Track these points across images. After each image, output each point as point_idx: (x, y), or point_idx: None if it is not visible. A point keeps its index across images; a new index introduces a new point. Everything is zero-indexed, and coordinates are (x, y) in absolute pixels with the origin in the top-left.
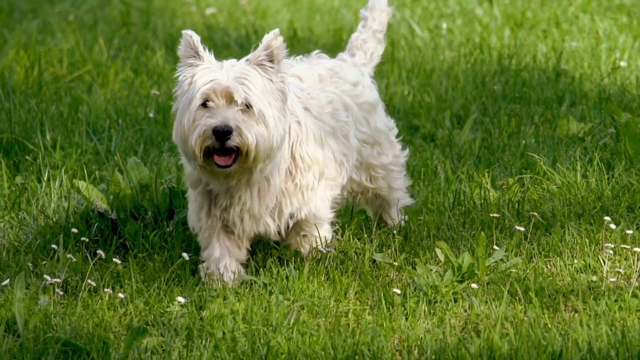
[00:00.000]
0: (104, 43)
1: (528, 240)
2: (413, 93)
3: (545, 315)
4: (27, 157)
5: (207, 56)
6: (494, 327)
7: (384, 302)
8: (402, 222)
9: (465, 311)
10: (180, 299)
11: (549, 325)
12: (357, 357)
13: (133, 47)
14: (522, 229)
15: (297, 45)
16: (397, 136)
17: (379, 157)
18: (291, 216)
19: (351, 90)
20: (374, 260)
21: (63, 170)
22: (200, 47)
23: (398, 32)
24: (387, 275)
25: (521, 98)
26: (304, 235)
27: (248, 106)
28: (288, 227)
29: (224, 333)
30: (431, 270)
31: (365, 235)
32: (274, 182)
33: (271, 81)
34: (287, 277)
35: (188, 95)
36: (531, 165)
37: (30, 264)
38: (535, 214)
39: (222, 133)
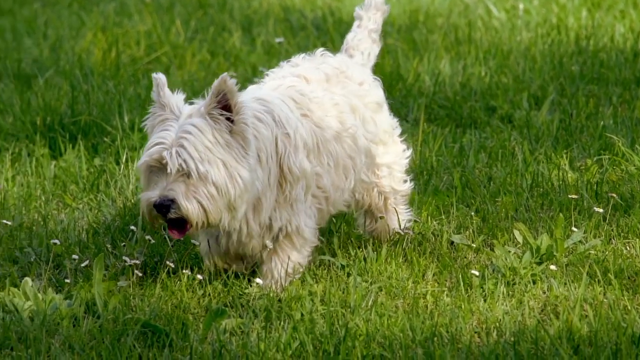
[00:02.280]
0: (181, 25)
1: (607, 221)
2: (490, 74)
3: (625, 297)
4: (105, 139)
5: (170, 102)
6: (573, 309)
7: (462, 283)
8: (401, 232)
9: (544, 293)
10: (259, 281)
11: (629, 307)
12: (435, 338)
13: (210, 29)
14: (600, 210)
15: None
16: (474, 117)
17: (384, 156)
18: (280, 230)
19: (358, 90)
20: (452, 242)
21: (141, 151)
22: (163, 93)
23: (475, 13)
24: (465, 257)
25: (599, 79)
26: (276, 254)
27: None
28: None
29: (302, 314)
30: (509, 252)
31: (443, 217)
32: (266, 199)
33: (224, 131)
34: (364, 259)
35: (141, 158)
36: (609, 147)
37: (109, 246)
38: (614, 195)
39: (160, 207)
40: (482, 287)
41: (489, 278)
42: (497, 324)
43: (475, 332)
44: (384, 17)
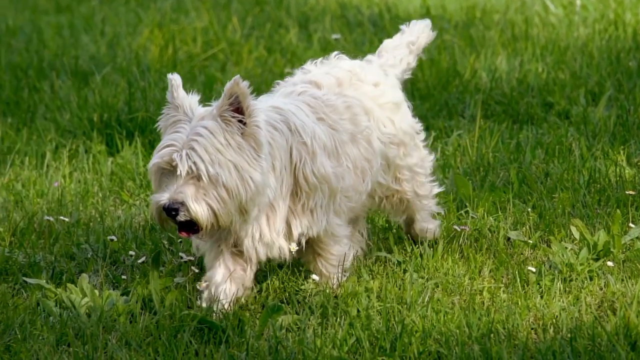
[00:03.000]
0: (238, 21)
1: None
2: (547, 70)
3: None
4: None
5: (184, 103)
6: (630, 305)
7: (518, 280)
8: (430, 235)
9: (601, 289)
10: (315, 277)
11: None
12: (492, 335)
13: (266, 26)
14: None
15: (432, 24)
16: (531, 113)
17: (405, 158)
18: (302, 235)
19: (372, 91)
20: (509, 238)
21: None
22: (178, 94)
23: (532, 10)
24: (522, 253)
25: None
26: (319, 255)
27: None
28: (301, 245)
29: (358, 311)
30: (566, 248)
31: (500, 213)
32: (279, 208)
33: (235, 133)
34: (421, 255)
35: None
36: None
37: (165, 242)
38: None
39: (170, 210)
40: (538, 284)
41: (545, 274)
42: (554, 320)
43: (532, 329)
44: (427, 41)
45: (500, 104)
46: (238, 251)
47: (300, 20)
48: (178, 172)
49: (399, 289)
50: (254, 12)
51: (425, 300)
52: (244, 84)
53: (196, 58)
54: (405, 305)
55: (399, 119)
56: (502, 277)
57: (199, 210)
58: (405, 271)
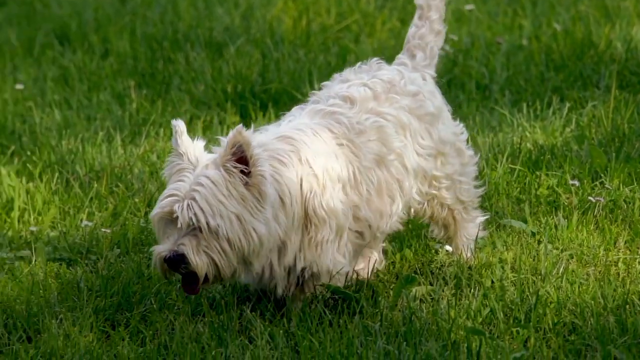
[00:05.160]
0: None
1: None
2: None
3: None
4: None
5: (188, 150)
6: None
7: None
8: (470, 249)
9: None
10: (448, 248)
11: None
12: (627, 306)
13: None
14: None
15: None
16: None
17: (443, 168)
18: (303, 270)
19: (410, 102)
20: None
21: None
22: (182, 140)
23: None
24: None
25: None
26: (307, 282)
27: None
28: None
29: (492, 282)
30: None
31: (635, 184)
32: (291, 242)
33: (238, 184)
34: (555, 226)
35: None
36: None
37: None
38: None
39: (172, 262)
40: None
41: None
42: None
43: None
44: (443, 1)
45: (636, 74)
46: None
47: None
48: (178, 225)
49: (533, 260)
50: None
51: (560, 271)
52: (247, 133)
53: (329, 29)
54: (539, 277)
55: (436, 130)
56: (638, 248)
57: (200, 262)
58: (539, 242)
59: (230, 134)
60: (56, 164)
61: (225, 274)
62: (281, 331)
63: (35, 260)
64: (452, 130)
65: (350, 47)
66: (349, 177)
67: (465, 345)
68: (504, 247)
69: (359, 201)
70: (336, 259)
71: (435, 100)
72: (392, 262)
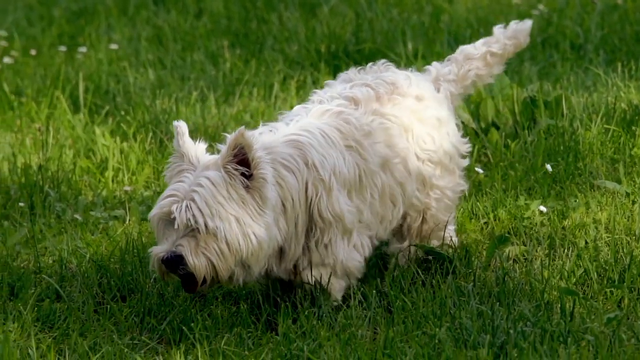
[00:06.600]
0: None
1: None
2: None
3: None
4: None
5: (189, 152)
6: None
7: None
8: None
9: None
10: (542, 208)
11: None
12: None
13: None
14: None
15: None
16: None
17: (440, 179)
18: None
19: (413, 104)
20: None
21: None
22: (184, 141)
23: None
24: None
25: None
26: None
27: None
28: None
29: (586, 242)
30: None
31: None
32: (290, 248)
33: (238, 186)
34: None
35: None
36: None
37: None
38: None
39: (170, 263)
40: None
41: None
42: None
43: None
44: (517, 50)
45: None
46: None
47: None
48: (175, 226)
49: (628, 220)
50: None
51: None
52: (249, 135)
53: None
54: (633, 237)
55: (440, 136)
56: None
57: (197, 264)
58: (634, 202)
59: (232, 135)
60: (150, 124)
61: (223, 277)
62: (374, 291)
63: (130, 220)
64: (456, 144)
65: (444, 7)
66: (355, 181)
67: (559, 305)
68: (598, 208)
69: (363, 206)
70: (349, 255)
71: (441, 109)
72: (485, 223)
